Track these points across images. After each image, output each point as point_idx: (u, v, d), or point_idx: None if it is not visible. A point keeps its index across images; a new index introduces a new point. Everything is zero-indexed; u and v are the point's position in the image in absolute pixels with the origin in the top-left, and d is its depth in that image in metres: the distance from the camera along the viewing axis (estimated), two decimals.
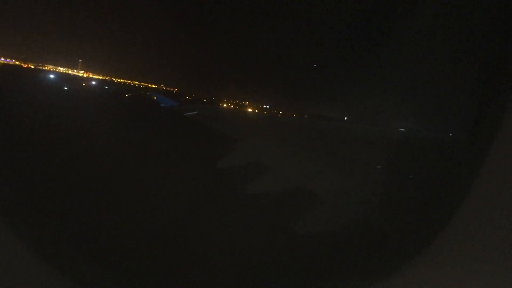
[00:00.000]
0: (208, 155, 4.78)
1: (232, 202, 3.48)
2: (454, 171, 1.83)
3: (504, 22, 1.73)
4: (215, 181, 3.92)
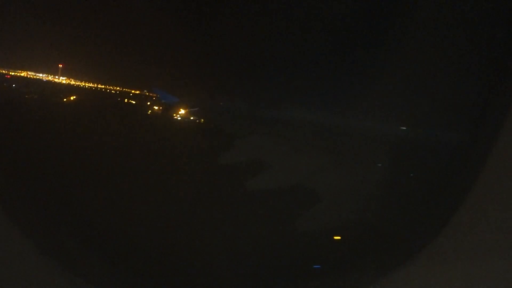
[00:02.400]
0: (207, 151, 4.79)
1: (231, 199, 3.53)
2: (455, 170, 1.89)
3: (506, 20, 1.78)
4: (214, 178, 3.95)
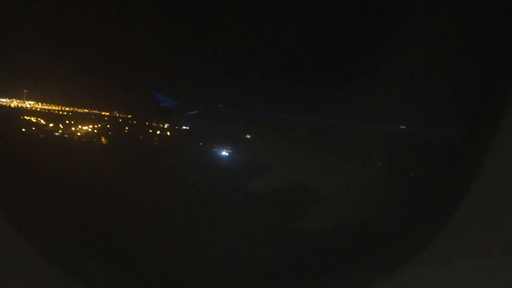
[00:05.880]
0: (209, 153, 4.77)
1: (232, 200, 3.51)
2: (455, 169, 1.92)
3: (505, 17, 1.83)
4: (215, 180, 3.94)
